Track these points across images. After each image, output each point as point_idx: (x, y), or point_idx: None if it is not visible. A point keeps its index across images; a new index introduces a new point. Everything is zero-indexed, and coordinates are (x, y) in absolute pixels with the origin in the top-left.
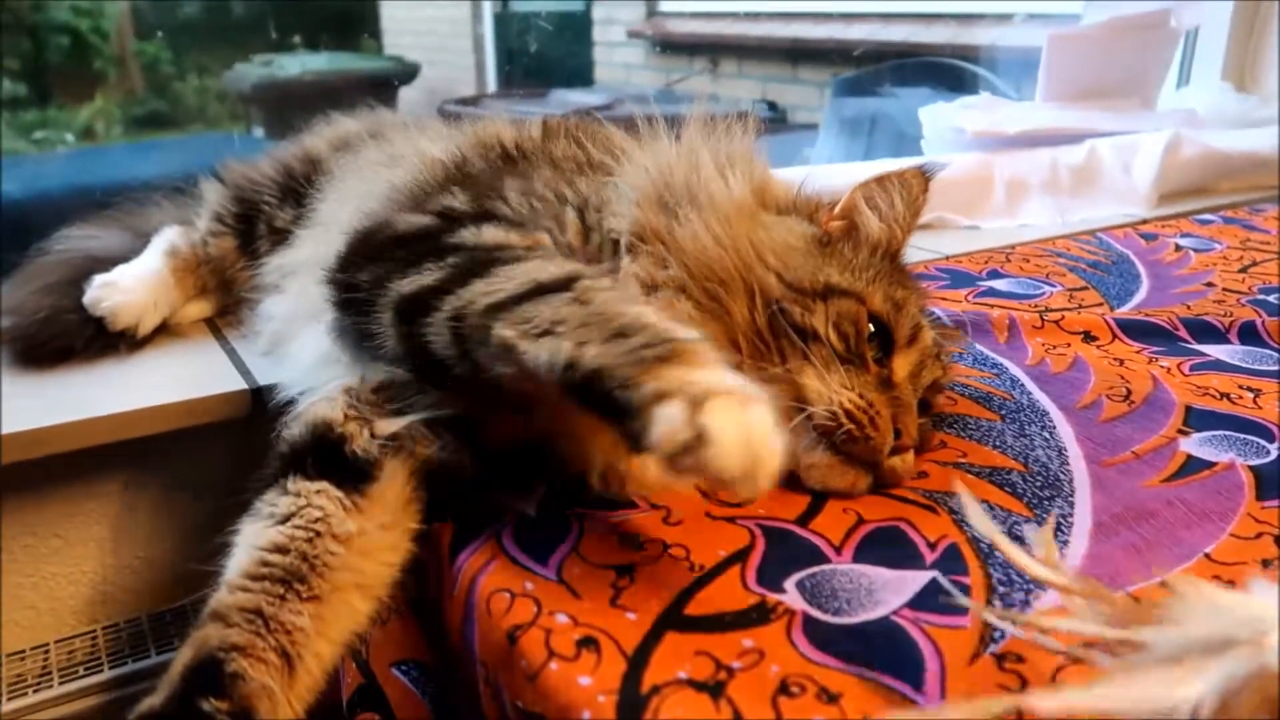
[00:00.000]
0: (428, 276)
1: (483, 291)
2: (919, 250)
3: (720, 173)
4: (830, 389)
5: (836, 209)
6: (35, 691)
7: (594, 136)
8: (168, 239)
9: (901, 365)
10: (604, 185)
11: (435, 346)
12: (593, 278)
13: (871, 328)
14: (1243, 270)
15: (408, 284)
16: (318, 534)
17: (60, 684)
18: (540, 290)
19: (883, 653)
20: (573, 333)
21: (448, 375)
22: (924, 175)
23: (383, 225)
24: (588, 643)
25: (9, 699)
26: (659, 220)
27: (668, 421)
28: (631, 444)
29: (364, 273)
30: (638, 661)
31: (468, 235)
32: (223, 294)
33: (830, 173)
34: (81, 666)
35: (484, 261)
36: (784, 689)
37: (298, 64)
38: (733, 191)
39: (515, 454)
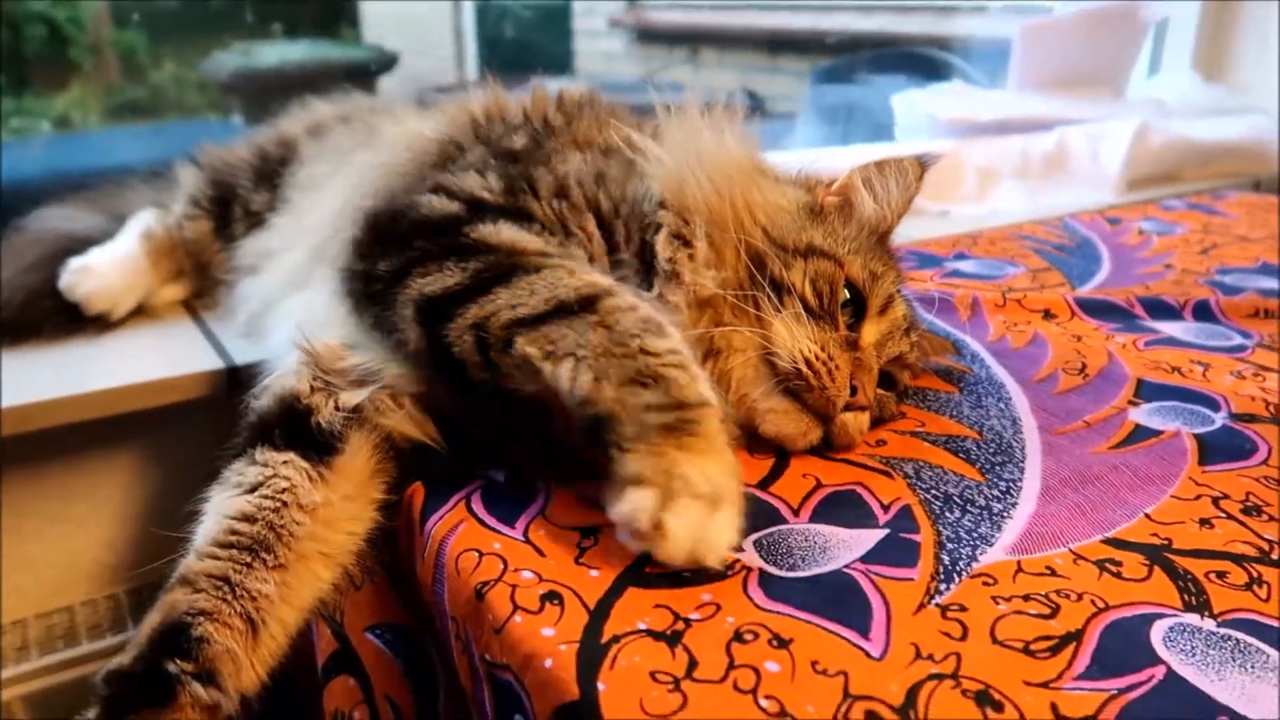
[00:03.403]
0: (449, 278)
1: (506, 304)
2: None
3: (718, 141)
4: (795, 338)
5: (834, 186)
6: (15, 665)
7: (614, 123)
8: (143, 222)
9: (870, 332)
10: (630, 181)
11: (457, 350)
12: (615, 295)
13: (847, 294)
14: (1203, 253)
15: (430, 284)
16: (284, 504)
17: (38, 658)
18: (563, 310)
19: (833, 601)
20: (595, 362)
21: (468, 378)
22: (921, 164)
23: (406, 208)
24: (551, 597)
25: None
26: (677, 196)
27: (634, 506)
28: (602, 493)
29: (384, 262)
30: (599, 614)
31: (488, 232)
32: (199, 276)
33: (822, 157)
34: (60, 641)
35: (506, 269)
36: (738, 637)
37: (276, 53)
38: (731, 154)
39: (481, 424)
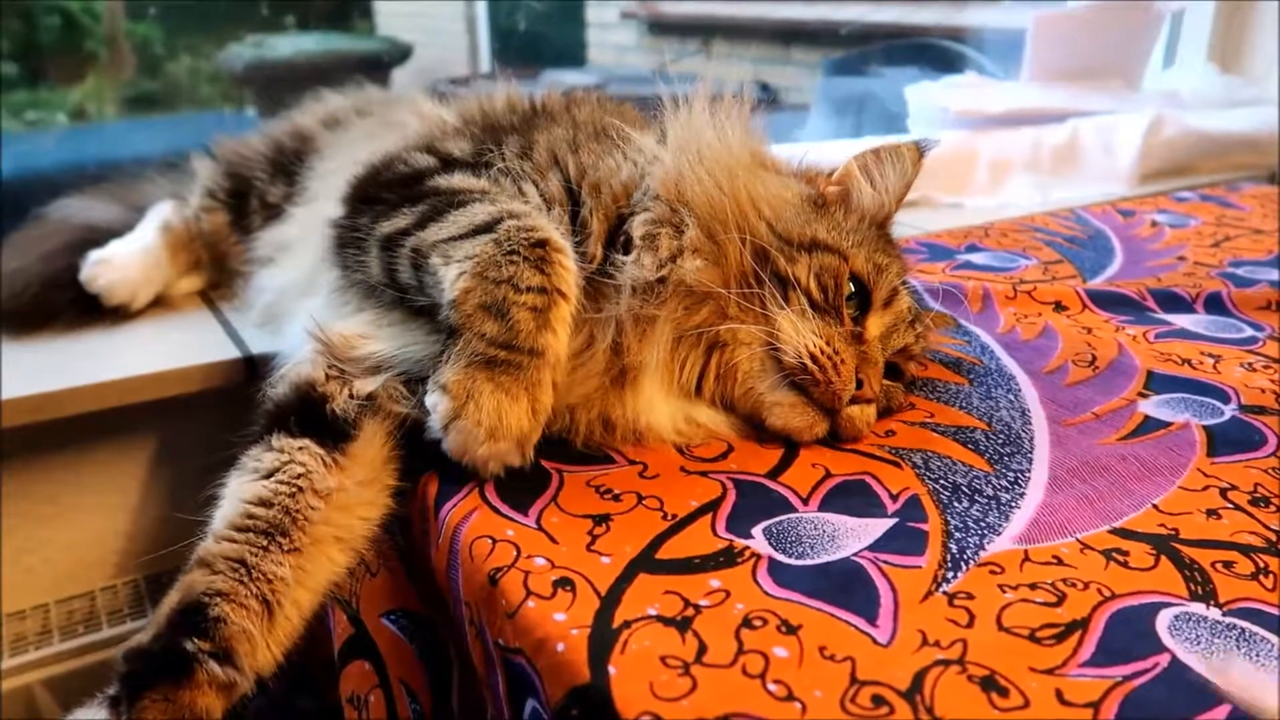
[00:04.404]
0: (403, 220)
1: (435, 231)
2: (902, 226)
3: (720, 135)
4: (800, 334)
5: (834, 176)
6: (36, 649)
7: (613, 122)
8: (162, 215)
9: (875, 325)
10: (607, 156)
11: (401, 275)
12: (519, 218)
13: (852, 287)
14: (1215, 245)
15: (388, 226)
16: (299, 489)
17: (60, 642)
18: (474, 230)
19: (841, 589)
20: (473, 275)
21: (415, 301)
22: (918, 150)
23: (392, 160)
24: (564, 583)
25: (10, 656)
26: (674, 192)
27: (434, 407)
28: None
29: (363, 218)
30: (610, 600)
31: (441, 181)
32: (215, 268)
33: (825, 149)
34: (81, 625)
35: (444, 206)
36: (747, 623)
37: (290, 45)
38: (732, 149)
39: None
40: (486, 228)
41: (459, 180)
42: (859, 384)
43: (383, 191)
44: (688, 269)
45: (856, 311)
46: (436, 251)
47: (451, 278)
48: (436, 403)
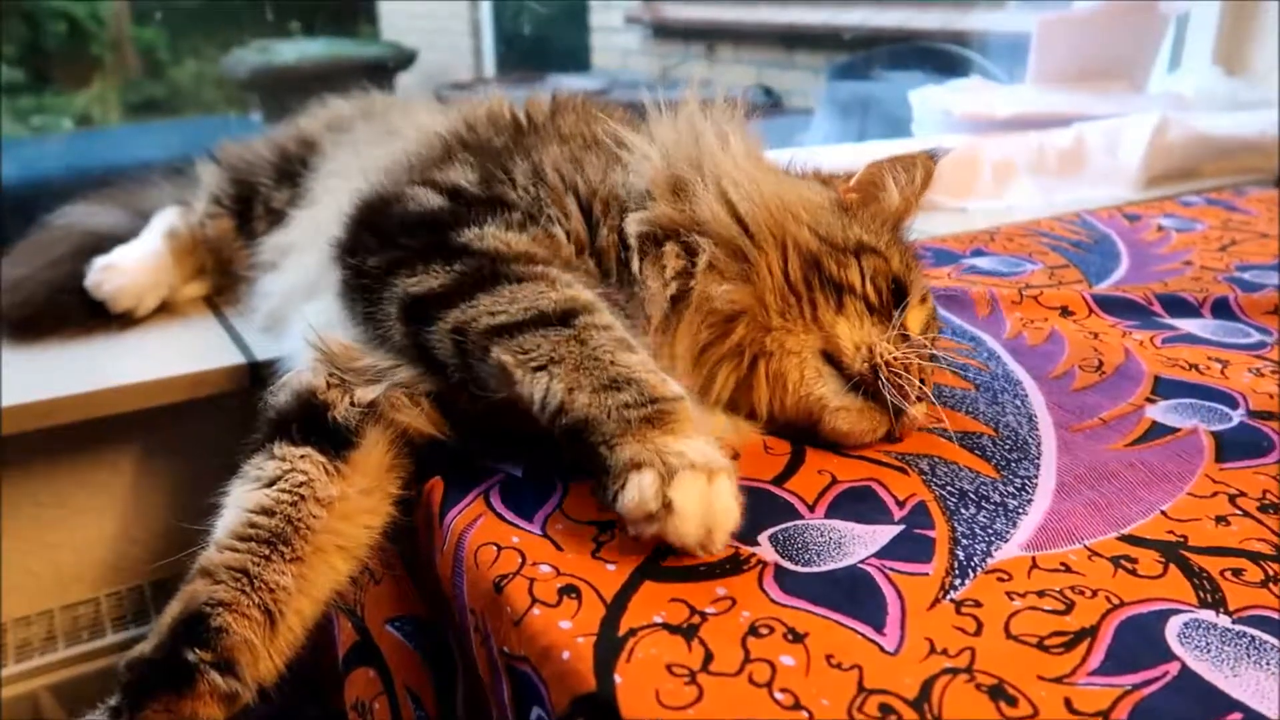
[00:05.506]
0: (434, 280)
1: (486, 310)
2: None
3: (722, 141)
4: (868, 338)
5: (852, 181)
6: (40, 655)
7: (601, 117)
8: (167, 221)
9: (915, 321)
10: (611, 171)
11: (437, 352)
12: (594, 313)
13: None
14: (1222, 249)
15: (414, 285)
16: (301, 498)
17: (65, 648)
18: (542, 320)
19: (848, 596)
20: (567, 375)
21: (447, 375)
22: (931, 159)
23: (393, 199)
24: (569, 590)
25: (15, 662)
26: (677, 208)
27: (639, 490)
28: (602, 496)
29: (373, 258)
30: (616, 607)
31: (473, 236)
32: (220, 273)
33: (829, 153)
34: (85, 631)
35: (489, 275)
36: (753, 631)
37: (295, 50)
38: (738, 157)
39: (495, 424)
40: (560, 319)
41: (495, 238)
42: (920, 382)
43: (399, 234)
44: (716, 294)
45: (895, 310)
46: (499, 345)
47: (541, 386)
48: (643, 483)
